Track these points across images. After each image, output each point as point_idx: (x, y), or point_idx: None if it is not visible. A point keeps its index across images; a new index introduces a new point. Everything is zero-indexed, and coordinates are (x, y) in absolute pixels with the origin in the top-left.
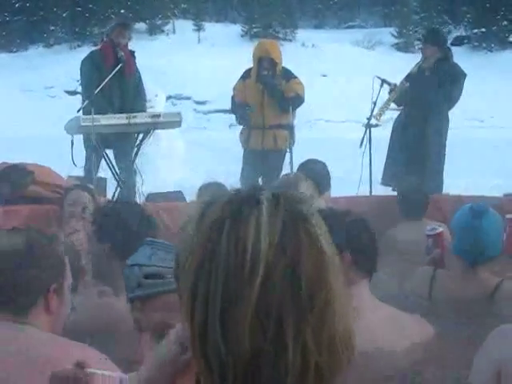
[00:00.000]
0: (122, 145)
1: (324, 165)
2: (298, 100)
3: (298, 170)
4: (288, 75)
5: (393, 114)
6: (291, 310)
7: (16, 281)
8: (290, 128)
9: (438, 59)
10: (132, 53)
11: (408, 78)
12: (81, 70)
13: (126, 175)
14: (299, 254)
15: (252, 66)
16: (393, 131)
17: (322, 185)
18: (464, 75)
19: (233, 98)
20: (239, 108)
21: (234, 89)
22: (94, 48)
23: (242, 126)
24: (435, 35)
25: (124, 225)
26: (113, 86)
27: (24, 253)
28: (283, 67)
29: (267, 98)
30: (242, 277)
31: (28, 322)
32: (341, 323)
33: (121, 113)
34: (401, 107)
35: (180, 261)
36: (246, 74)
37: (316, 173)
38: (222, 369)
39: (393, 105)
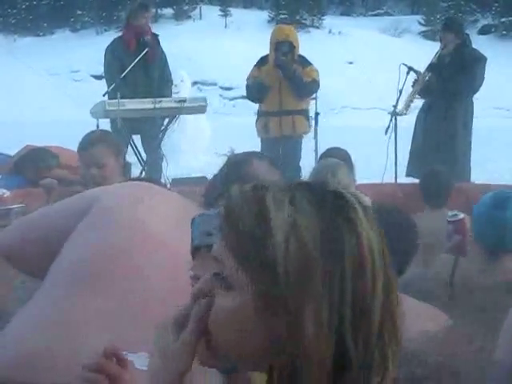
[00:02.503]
0: (148, 129)
1: (346, 152)
2: (316, 86)
3: (320, 158)
4: (304, 62)
5: (419, 102)
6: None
7: None
8: (307, 114)
9: (457, 46)
10: (155, 36)
11: (429, 67)
12: (104, 58)
13: (152, 160)
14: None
15: (268, 52)
16: (417, 121)
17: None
18: (484, 59)
19: (247, 86)
20: (254, 86)
21: (249, 78)
22: (120, 33)
23: (258, 115)
24: (451, 22)
25: None
26: (137, 70)
27: None
28: (299, 54)
29: (285, 84)
30: (365, 281)
31: None
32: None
33: (146, 97)
34: (426, 98)
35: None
36: (262, 61)
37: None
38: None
39: (417, 95)
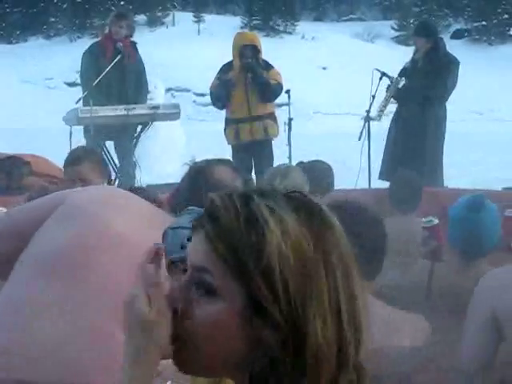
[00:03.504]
0: (122, 136)
1: (329, 166)
2: (280, 88)
3: (302, 168)
4: (267, 65)
5: (392, 107)
6: None
7: None
8: (275, 117)
9: (430, 49)
10: (133, 44)
11: (402, 72)
12: (81, 62)
13: (125, 167)
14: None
15: (231, 59)
16: (390, 125)
17: (324, 183)
18: (457, 63)
19: (211, 93)
20: (219, 87)
21: (212, 86)
22: (93, 39)
23: (226, 123)
24: (423, 27)
25: None
26: (112, 77)
27: None
28: (262, 59)
29: (251, 89)
30: (352, 280)
31: None
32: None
33: (120, 104)
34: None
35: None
36: (225, 69)
37: (319, 171)
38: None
39: (392, 100)
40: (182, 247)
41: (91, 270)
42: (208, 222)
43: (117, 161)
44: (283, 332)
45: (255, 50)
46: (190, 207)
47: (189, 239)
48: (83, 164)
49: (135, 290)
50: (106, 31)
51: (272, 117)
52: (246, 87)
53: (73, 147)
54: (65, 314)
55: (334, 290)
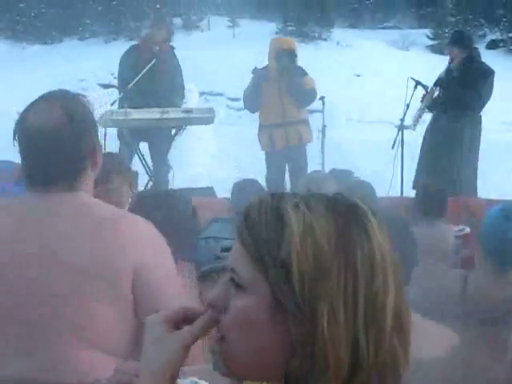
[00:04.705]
0: (157, 139)
1: (371, 186)
2: (314, 94)
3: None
4: (302, 71)
5: (427, 116)
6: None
7: (62, 151)
8: (308, 122)
9: (465, 59)
10: (171, 48)
11: (437, 82)
12: (119, 64)
13: (159, 171)
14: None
15: (267, 64)
16: (425, 135)
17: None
18: (492, 72)
19: (244, 95)
20: (252, 87)
21: (246, 89)
22: (128, 42)
23: (260, 128)
24: (458, 36)
25: (175, 217)
26: (148, 80)
27: (65, 123)
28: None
29: (285, 94)
30: (377, 283)
31: (77, 187)
32: None
33: (155, 107)
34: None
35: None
36: (258, 73)
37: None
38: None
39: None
40: (217, 258)
41: (25, 287)
42: (242, 221)
43: (150, 162)
44: (304, 327)
45: (292, 55)
46: (215, 217)
47: (223, 249)
48: (114, 182)
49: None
50: (145, 34)
51: (305, 122)
52: (281, 92)
53: (107, 148)
54: None
55: (352, 290)
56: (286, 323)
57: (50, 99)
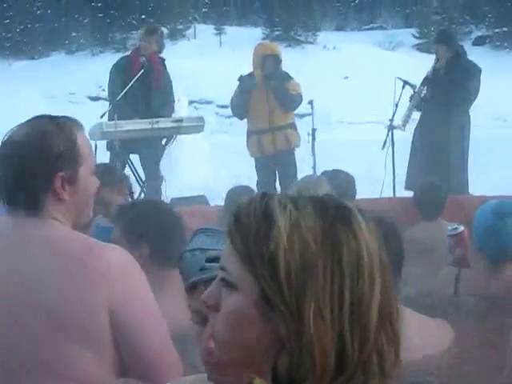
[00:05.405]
0: (147, 150)
1: (352, 178)
2: (300, 98)
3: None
4: (287, 76)
5: (416, 115)
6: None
7: (24, 169)
8: (295, 126)
9: (451, 57)
10: (162, 60)
11: (425, 81)
12: (109, 76)
13: (151, 180)
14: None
15: (251, 71)
16: (414, 134)
17: (347, 193)
18: (479, 70)
19: (232, 101)
20: (239, 94)
21: (233, 96)
22: (115, 54)
23: (248, 134)
24: (444, 35)
25: (165, 226)
26: (138, 92)
27: (31, 141)
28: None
29: (273, 99)
30: (363, 281)
31: (45, 214)
32: None
33: (145, 119)
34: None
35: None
36: (245, 80)
37: (341, 180)
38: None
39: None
40: (202, 269)
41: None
42: (232, 221)
43: (142, 173)
44: (292, 324)
45: (277, 60)
46: (200, 227)
47: (207, 260)
48: (104, 188)
49: None
50: (136, 46)
51: (293, 126)
52: (268, 98)
53: (98, 162)
54: None
55: (338, 288)
56: (274, 320)
57: (27, 123)
